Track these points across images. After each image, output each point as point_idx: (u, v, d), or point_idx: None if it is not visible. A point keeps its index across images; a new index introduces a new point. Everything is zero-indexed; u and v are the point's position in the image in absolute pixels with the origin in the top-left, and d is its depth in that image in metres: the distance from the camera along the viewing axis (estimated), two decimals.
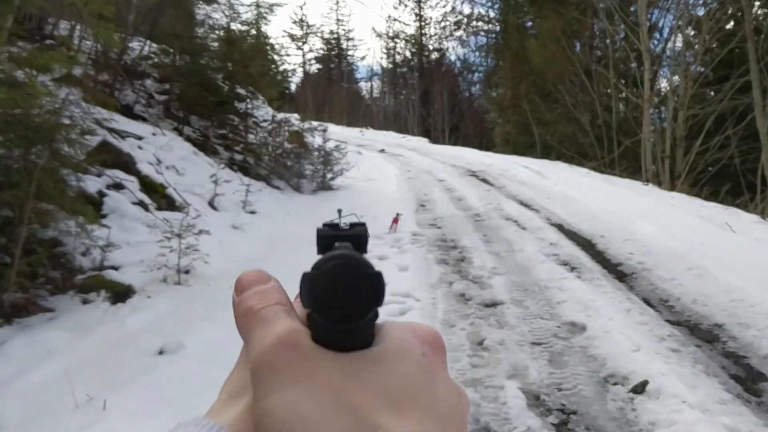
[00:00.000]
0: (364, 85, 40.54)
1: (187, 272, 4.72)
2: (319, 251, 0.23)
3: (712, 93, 13.80)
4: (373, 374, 0.21)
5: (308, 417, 0.19)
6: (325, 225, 0.25)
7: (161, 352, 3.33)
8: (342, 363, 0.21)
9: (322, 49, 39.68)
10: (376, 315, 0.22)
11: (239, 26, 10.07)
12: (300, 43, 38.14)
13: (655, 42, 16.62)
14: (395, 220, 6.38)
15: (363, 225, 0.25)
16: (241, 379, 0.23)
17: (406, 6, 34.13)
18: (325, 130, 10.54)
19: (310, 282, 0.21)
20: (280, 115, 10.97)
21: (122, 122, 6.61)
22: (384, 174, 11.40)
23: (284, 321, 0.22)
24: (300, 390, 0.20)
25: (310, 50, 39.88)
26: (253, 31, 10.02)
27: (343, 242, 0.24)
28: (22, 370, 3.10)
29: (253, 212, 7.06)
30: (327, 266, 0.21)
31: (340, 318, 0.21)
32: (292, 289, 0.26)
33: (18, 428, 2.64)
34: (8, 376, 3.04)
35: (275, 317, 0.22)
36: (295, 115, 11.28)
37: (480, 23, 31.00)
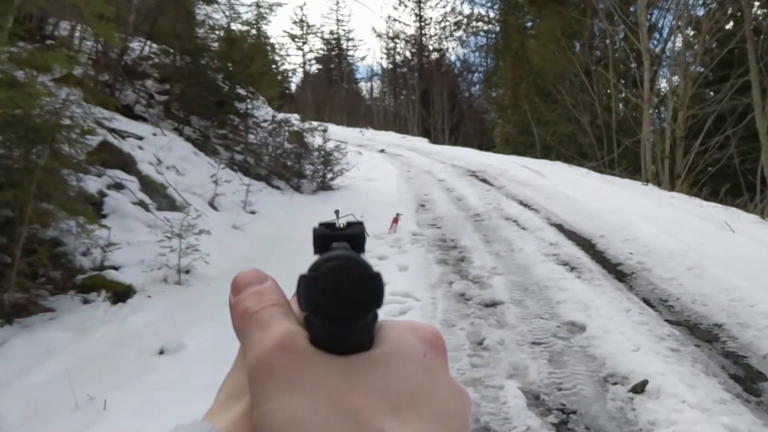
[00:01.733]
0: (364, 86, 40.58)
1: (187, 272, 4.72)
2: (316, 251, 0.23)
3: (712, 93, 13.80)
4: (373, 377, 0.21)
5: (308, 422, 0.19)
6: (321, 224, 0.24)
7: (162, 352, 3.33)
8: (341, 366, 0.21)
9: (322, 50, 39.70)
10: (376, 316, 0.22)
11: (239, 26, 10.08)
12: (300, 44, 38.15)
13: (655, 42, 16.64)
14: (395, 220, 6.38)
15: (360, 224, 0.25)
16: (238, 380, 0.22)
17: (406, 6, 34.11)
18: (325, 130, 10.54)
19: (307, 284, 0.21)
20: (280, 115, 10.98)
21: (122, 122, 6.62)
22: (384, 174, 11.40)
23: (282, 323, 0.22)
24: (299, 395, 0.20)
25: (310, 50, 39.90)
26: (254, 31, 10.02)
27: (340, 242, 0.23)
28: (22, 370, 3.10)
29: (253, 212, 7.06)
30: (324, 268, 0.21)
31: (338, 320, 0.21)
32: (292, 290, 0.26)
33: (19, 428, 2.64)
34: (9, 375, 3.04)
35: (272, 319, 0.22)
36: (295, 116, 11.28)
37: (480, 23, 31.02)
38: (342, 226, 0.24)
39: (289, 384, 0.20)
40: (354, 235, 0.24)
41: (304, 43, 38.73)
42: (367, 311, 0.21)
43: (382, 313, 0.22)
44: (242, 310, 0.23)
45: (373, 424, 0.19)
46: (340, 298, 0.20)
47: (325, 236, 0.23)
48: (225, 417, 0.22)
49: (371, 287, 0.21)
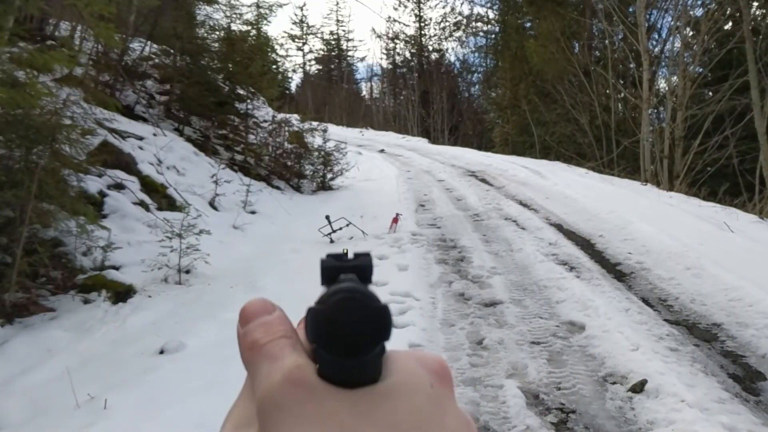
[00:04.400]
0: (363, 86, 40.59)
1: (187, 272, 4.73)
2: (323, 282, 0.23)
3: (711, 93, 13.83)
4: (382, 411, 0.20)
5: None
6: (329, 255, 0.24)
7: (162, 352, 3.34)
8: (351, 400, 0.20)
9: (322, 50, 39.71)
10: (383, 349, 0.22)
11: (240, 27, 10.08)
12: (300, 44, 38.17)
13: (654, 42, 16.65)
14: (395, 220, 6.39)
15: (367, 255, 0.24)
16: (246, 410, 0.22)
17: (405, 7, 34.13)
18: (325, 131, 10.55)
19: (314, 317, 0.21)
20: (281, 116, 10.98)
21: (123, 123, 6.62)
22: (384, 174, 11.41)
23: (290, 357, 0.22)
24: (311, 429, 0.20)
25: (310, 51, 39.90)
26: (254, 32, 10.03)
27: (347, 274, 0.23)
28: (23, 370, 3.11)
29: (253, 212, 7.07)
30: (332, 300, 0.21)
31: (346, 353, 0.21)
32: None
33: (20, 427, 2.64)
34: (10, 375, 3.05)
35: (281, 352, 0.22)
36: (295, 116, 11.28)
37: (479, 24, 31.03)
38: (349, 256, 0.24)
39: (299, 418, 0.20)
40: (361, 266, 0.24)
41: (304, 44, 38.76)
42: (375, 344, 0.21)
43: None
44: (251, 342, 0.23)
45: None
46: (347, 331, 0.20)
47: (333, 267, 0.23)
48: None
49: (379, 320, 0.21)
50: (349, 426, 0.20)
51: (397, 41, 34.42)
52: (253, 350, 0.22)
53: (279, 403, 0.20)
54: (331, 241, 6.10)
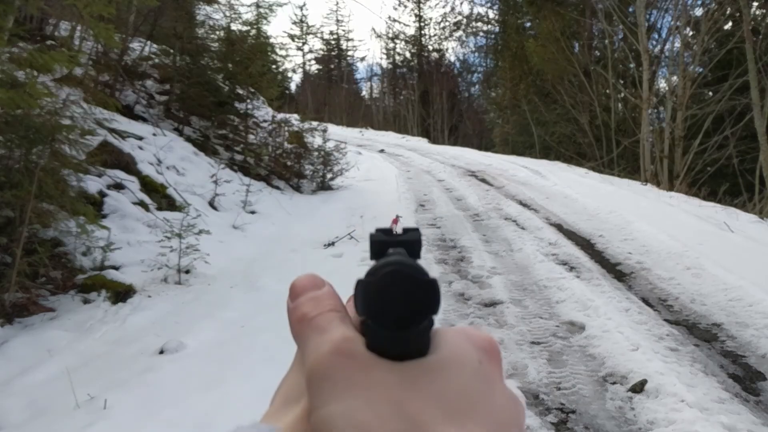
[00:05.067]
0: (363, 86, 40.62)
1: (187, 272, 4.73)
2: (372, 257, 0.23)
3: (711, 93, 13.83)
4: (430, 384, 0.21)
5: (369, 426, 0.19)
6: (378, 230, 0.24)
7: (162, 352, 3.34)
8: (399, 372, 0.21)
9: (322, 50, 39.72)
10: (431, 323, 0.22)
11: (239, 27, 10.08)
12: (300, 44, 38.17)
13: (654, 42, 16.65)
14: (395, 221, 6.38)
15: (416, 230, 0.24)
16: (296, 384, 0.23)
17: (405, 7, 34.16)
18: (325, 131, 10.55)
19: (364, 289, 0.21)
20: (280, 116, 10.98)
21: (123, 123, 6.62)
22: (384, 174, 11.41)
23: (339, 329, 0.22)
24: (358, 400, 0.20)
25: (310, 51, 39.92)
26: (254, 32, 10.02)
27: (396, 248, 0.23)
28: (23, 370, 3.11)
29: (253, 212, 7.07)
30: (381, 273, 0.21)
31: (394, 325, 0.21)
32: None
33: (19, 427, 2.64)
34: (9, 375, 3.05)
35: (330, 325, 0.22)
36: (295, 116, 11.28)
37: (479, 24, 31.05)
38: (398, 232, 0.24)
39: (347, 389, 0.20)
40: (410, 241, 0.24)
41: (303, 44, 38.76)
42: (424, 317, 0.21)
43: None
44: (300, 315, 0.23)
45: (432, 430, 0.19)
46: (396, 303, 0.21)
47: (382, 242, 0.23)
48: (284, 419, 0.22)
49: (427, 293, 0.21)
50: (396, 397, 0.20)
51: (397, 41, 34.46)
52: (302, 323, 0.23)
53: (327, 374, 0.21)
54: (332, 244, 6.08)
